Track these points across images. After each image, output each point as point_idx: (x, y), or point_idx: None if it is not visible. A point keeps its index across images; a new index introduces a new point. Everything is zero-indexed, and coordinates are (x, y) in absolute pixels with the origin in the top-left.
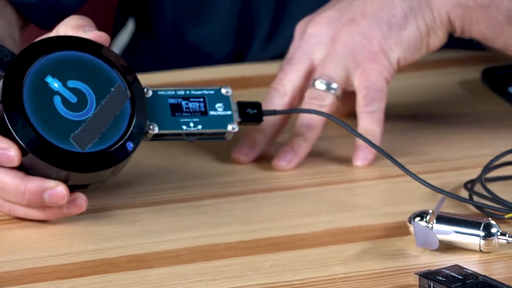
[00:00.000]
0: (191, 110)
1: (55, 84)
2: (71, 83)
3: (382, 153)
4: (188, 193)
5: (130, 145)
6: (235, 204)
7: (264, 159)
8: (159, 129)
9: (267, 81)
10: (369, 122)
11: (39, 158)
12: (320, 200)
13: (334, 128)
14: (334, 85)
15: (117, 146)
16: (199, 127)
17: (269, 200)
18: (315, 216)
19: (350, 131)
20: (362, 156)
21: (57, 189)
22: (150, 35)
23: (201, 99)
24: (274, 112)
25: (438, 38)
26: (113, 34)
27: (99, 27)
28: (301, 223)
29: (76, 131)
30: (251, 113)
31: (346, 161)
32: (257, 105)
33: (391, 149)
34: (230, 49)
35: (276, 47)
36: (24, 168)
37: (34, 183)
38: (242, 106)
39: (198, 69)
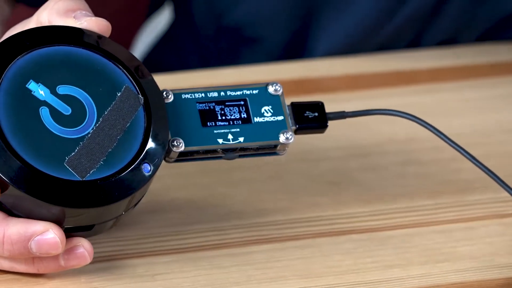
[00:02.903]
0: (228, 118)
1: (41, 92)
2: (63, 90)
3: (496, 179)
4: (229, 237)
5: (147, 168)
6: (292, 251)
7: None
8: (186, 145)
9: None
10: None
11: (24, 191)
12: (408, 247)
13: None
14: None
15: (129, 170)
16: (241, 139)
17: (338, 246)
18: (402, 268)
19: (447, 141)
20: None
21: (47, 235)
22: (188, 21)
23: (242, 102)
24: (342, 115)
25: None
26: (148, 16)
27: (131, 9)
28: (383, 278)
29: (73, 153)
30: (310, 117)
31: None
32: (318, 107)
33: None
34: (289, 33)
35: (349, 29)
36: (5, 208)
37: (16, 228)
38: (298, 109)
39: (239, 67)
